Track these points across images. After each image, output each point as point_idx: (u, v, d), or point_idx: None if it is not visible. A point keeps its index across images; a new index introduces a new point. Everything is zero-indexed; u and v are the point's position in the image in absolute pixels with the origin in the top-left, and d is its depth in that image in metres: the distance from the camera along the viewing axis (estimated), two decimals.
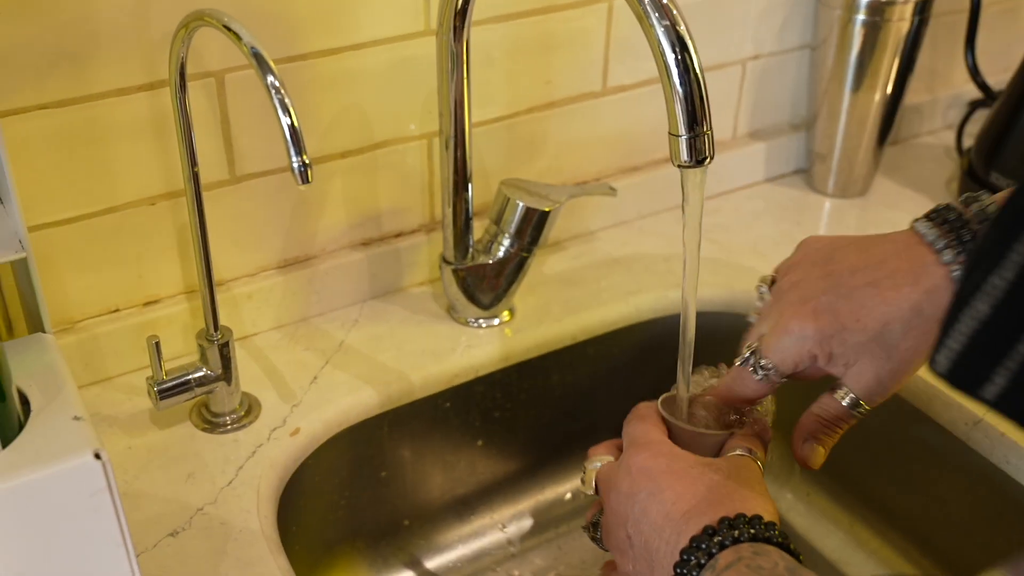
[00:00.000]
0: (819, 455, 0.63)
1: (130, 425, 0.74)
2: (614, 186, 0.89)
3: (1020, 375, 0.35)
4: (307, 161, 0.56)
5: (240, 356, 0.80)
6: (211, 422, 0.74)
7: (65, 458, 0.52)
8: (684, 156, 0.59)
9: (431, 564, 0.86)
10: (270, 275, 0.82)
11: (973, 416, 0.76)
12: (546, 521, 0.91)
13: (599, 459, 0.66)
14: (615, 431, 0.94)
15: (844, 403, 0.60)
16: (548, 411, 0.89)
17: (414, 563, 0.86)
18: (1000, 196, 0.59)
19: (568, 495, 0.93)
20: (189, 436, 0.74)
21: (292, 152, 0.56)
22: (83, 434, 0.53)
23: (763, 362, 0.61)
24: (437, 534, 0.87)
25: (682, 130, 0.59)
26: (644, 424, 0.64)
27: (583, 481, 0.66)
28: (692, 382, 0.67)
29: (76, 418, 0.54)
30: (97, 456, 0.52)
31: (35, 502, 0.51)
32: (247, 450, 0.72)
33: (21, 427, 0.53)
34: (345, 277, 0.85)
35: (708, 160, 0.60)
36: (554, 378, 0.87)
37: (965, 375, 0.37)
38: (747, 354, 0.63)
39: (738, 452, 0.60)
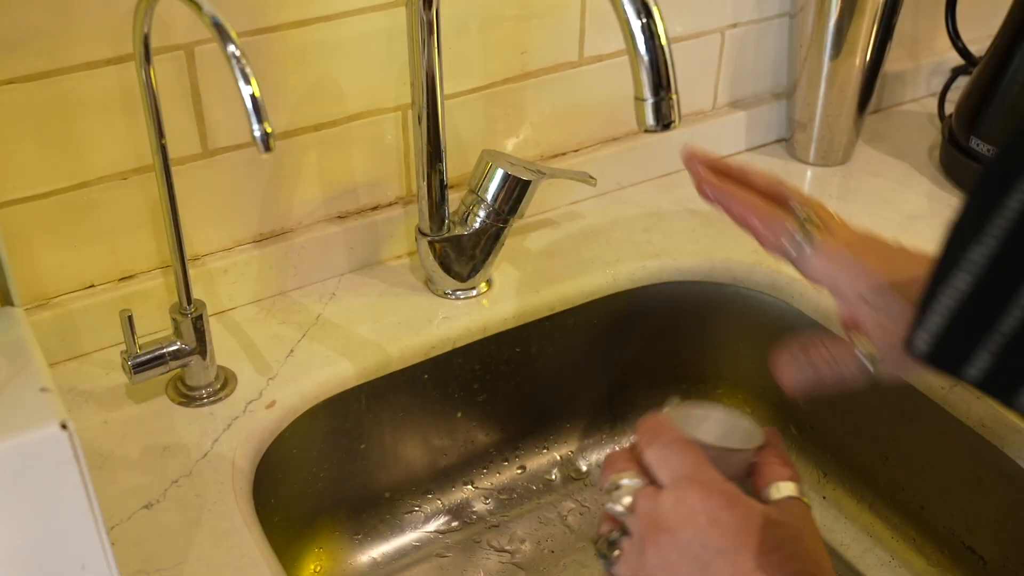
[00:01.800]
0: (806, 391, 0.62)
1: (106, 400, 0.74)
2: (592, 170, 0.89)
3: (1004, 352, 0.34)
4: (269, 130, 0.56)
5: (216, 330, 0.80)
6: (187, 396, 0.74)
7: (31, 428, 0.52)
8: (650, 121, 0.59)
9: (412, 536, 0.86)
10: (246, 249, 0.82)
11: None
12: (527, 492, 0.91)
13: (631, 477, 0.56)
14: (595, 402, 0.95)
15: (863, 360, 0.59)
16: (528, 382, 0.89)
17: (395, 534, 0.86)
18: None
19: (551, 467, 0.93)
20: (165, 410, 0.74)
21: (253, 120, 0.55)
22: (50, 405, 0.53)
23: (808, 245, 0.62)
24: (417, 506, 0.87)
25: (647, 94, 0.59)
26: (692, 455, 0.55)
27: (611, 496, 0.56)
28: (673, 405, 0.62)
29: (43, 389, 0.54)
30: (64, 426, 0.52)
31: (1, 473, 0.51)
32: (223, 423, 0.73)
33: None
34: (322, 250, 0.85)
35: (674, 124, 0.60)
36: (533, 349, 0.87)
37: (947, 355, 0.36)
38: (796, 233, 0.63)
39: (790, 494, 0.55)
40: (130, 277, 0.78)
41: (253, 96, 0.56)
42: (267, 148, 0.56)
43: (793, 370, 0.62)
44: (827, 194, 1.00)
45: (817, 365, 0.61)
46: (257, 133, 0.56)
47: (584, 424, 0.94)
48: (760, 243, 0.64)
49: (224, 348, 0.78)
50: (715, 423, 0.60)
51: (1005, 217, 0.33)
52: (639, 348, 0.93)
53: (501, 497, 0.90)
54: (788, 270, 0.88)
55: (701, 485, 0.53)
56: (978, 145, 0.98)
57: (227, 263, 0.81)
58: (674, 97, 0.59)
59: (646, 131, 0.60)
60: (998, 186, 0.33)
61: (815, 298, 0.86)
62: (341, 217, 0.86)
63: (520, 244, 0.91)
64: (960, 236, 0.35)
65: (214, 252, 0.81)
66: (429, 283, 0.86)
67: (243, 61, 0.56)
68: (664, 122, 0.59)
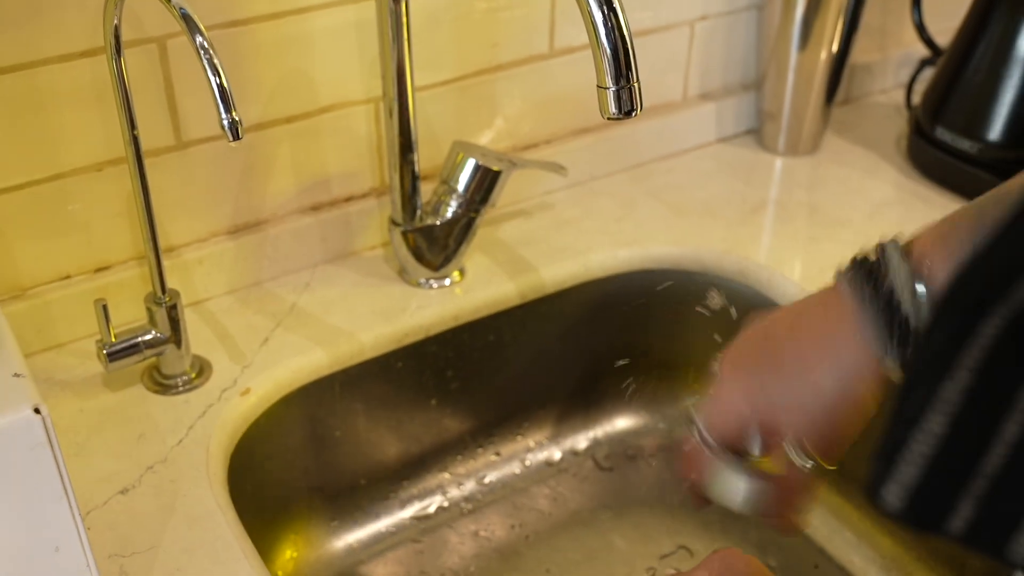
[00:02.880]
0: (805, 522, 0.63)
1: (82, 389, 0.75)
2: (564, 162, 0.90)
3: (991, 497, 0.30)
4: (236, 118, 0.57)
5: (191, 320, 0.81)
6: (162, 384, 0.76)
7: (4, 413, 0.53)
8: (612, 108, 0.61)
9: (387, 522, 0.88)
10: (221, 240, 0.83)
11: None
12: (502, 478, 0.92)
13: None
14: (568, 389, 0.96)
15: (800, 465, 0.58)
16: (502, 370, 0.90)
17: (370, 521, 0.87)
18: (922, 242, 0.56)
19: (525, 453, 0.94)
20: (140, 398, 0.75)
21: (221, 109, 0.56)
22: (23, 390, 0.54)
23: (696, 421, 0.61)
24: (393, 493, 0.89)
25: (609, 83, 0.60)
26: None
27: None
28: None
29: (16, 375, 0.55)
30: (36, 411, 0.53)
31: None
32: (198, 410, 0.74)
33: None
34: (296, 242, 0.86)
35: (635, 112, 0.61)
36: (506, 337, 0.89)
37: (925, 509, 0.31)
38: (692, 416, 0.64)
39: None
40: (105, 268, 0.79)
41: (221, 86, 0.57)
42: (235, 136, 0.57)
43: (792, 524, 0.62)
44: (796, 183, 1.02)
45: (802, 508, 0.62)
46: (225, 122, 0.57)
47: (558, 411, 0.95)
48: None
49: (199, 337, 0.79)
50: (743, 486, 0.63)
51: (980, 346, 0.30)
52: (611, 336, 0.95)
53: (476, 483, 0.92)
54: (757, 257, 0.90)
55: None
56: (943, 134, 0.99)
57: (202, 254, 0.82)
58: (635, 85, 0.60)
59: (608, 119, 0.61)
60: (969, 315, 0.30)
61: (783, 285, 0.87)
62: (315, 208, 0.87)
63: (493, 234, 0.92)
64: (926, 376, 0.31)
65: (189, 243, 0.82)
66: (403, 273, 0.87)
67: (211, 52, 0.57)
68: (625, 109, 0.60)
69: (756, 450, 0.62)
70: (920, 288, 0.52)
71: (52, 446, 0.54)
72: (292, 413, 0.79)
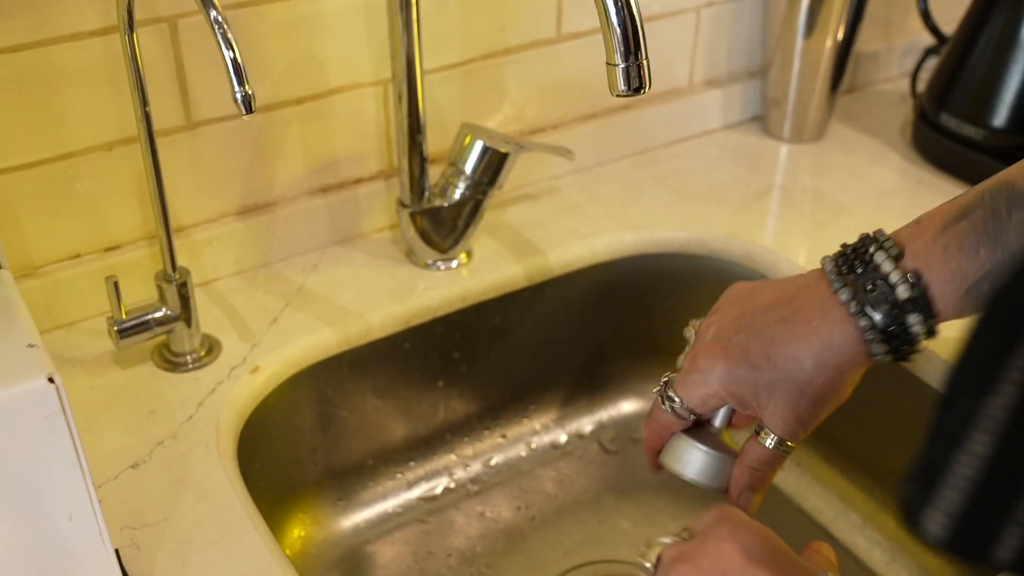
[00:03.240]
0: (756, 503, 0.63)
1: (92, 366, 0.76)
2: (570, 147, 0.90)
3: None
4: (250, 91, 0.57)
5: (201, 300, 0.81)
6: (172, 362, 0.76)
7: (19, 382, 0.53)
8: (621, 86, 0.61)
9: (394, 503, 0.88)
10: (230, 221, 0.84)
11: None
12: (508, 461, 0.93)
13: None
14: (574, 372, 0.96)
15: (768, 445, 0.60)
16: (508, 352, 0.91)
17: (377, 501, 0.88)
18: (903, 233, 0.59)
19: (531, 436, 0.95)
20: (150, 375, 0.75)
21: (235, 83, 0.57)
22: (37, 360, 0.54)
23: (670, 394, 0.62)
24: (400, 473, 0.89)
25: (618, 60, 0.61)
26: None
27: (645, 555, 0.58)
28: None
29: (30, 345, 0.55)
30: (51, 380, 0.53)
31: None
32: (207, 387, 0.74)
33: None
34: (304, 223, 0.86)
35: (644, 89, 0.61)
36: (513, 319, 0.89)
37: (971, 538, 0.29)
38: (660, 385, 0.64)
39: None
40: (115, 248, 0.80)
41: (234, 60, 0.58)
42: (248, 110, 0.58)
43: (745, 500, 0.63)
44: (801, 170, 1.02)
45: (756, 486, 0.62)
46: (239, 95, 0.57)
47: (564, 394, 0.96)
48: None
49: (208, 316, 0.80)
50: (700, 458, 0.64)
51: None
52: (617, 319, 0.95)
53: (482, 465, 0.92)
54: (762, 242, 0.91)
55: (731, 523, 0.53)
56: (948, 121, 1.00)
57: (211, 234, 0.82)
58: (644, 63, 0.61)
59: (617, 95, 0.61)
60: (1016, 324, 0.28)
61: (788, 269, 0.88)
62: (323, 190, 0.87)
63: (500, 218, 0.93)
64: (968, 389, 0.28)
65: (198, 223, 0.83)
66: (410, 255, 0.87)
67: (225, 27, 0.58)
68: (634, 86, 0.60)
69: (719, 423, 0.64)
70: (906, 268, 0.56)
71: (66, 415, 0.55)
72: (301, 392, 0.80)
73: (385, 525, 0.87)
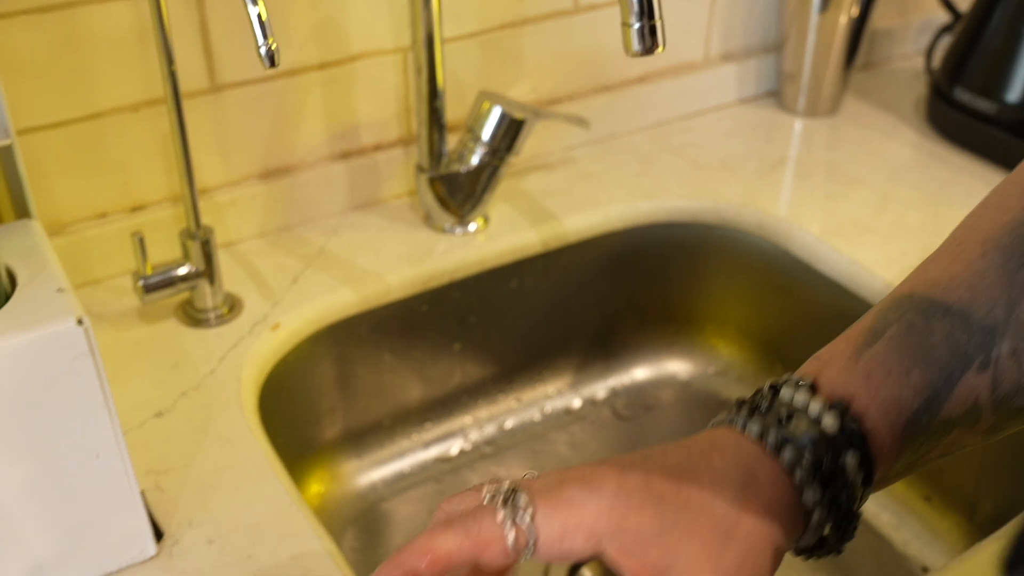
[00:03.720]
0: None
1: (118, 321, 0.78)
2: (586, 116, 0.92)
3: None
4: (273, 46, 0.59)
5: (223, 260, 0.83)
6: (195, 318, 0.78)
7: (48, 324, 0.55)
8: (635, 46, 0.62)
9: (410, 462, 0.90)
10: (252, 184, 0.85)
11: None
12: (522, 424, 0.95)
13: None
14: (588, 338, 0.98)
15: None
16: (523, 318, 0.92)
17: (393, 460, 0.89)
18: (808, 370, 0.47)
19: (545, 400, 0.96)
20: (174, 331, 0.77)
21: (259, 37, 0.59)
22: (66, 303, 0.56)
23: (520, 505, 0.42)
24: (416, 434, 0.91)
25: (633, 20, 0.62)
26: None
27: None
28: None
29: (60, 290, 0.57)
30: (80, 322, 0.55)
31: (21, 366, 0.54)
32: (229, 343, 0.76)
33: (7, 299, 0.57)
34: (325, 188, 0.88)
35: (658, 48, 0.63)
36: (528, 285, 0.91)
37: None
38: (506, 488, 0.43)
39: None
40: (140, 208, 0.82)
41: (259, 16, 0.59)
42: (272, 63, 0.59)
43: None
44: (815, 143, 1.03)
45: None
46: (263, 49, 0.59)
47: (578, 359, 0.97)
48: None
49: (230, 276, 0.82)
50: None
51: None
52: (631, 287, 0.96)
53: (496, 428, 0.94)
54: (775, 211, 0.92)
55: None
56: (962, 95, 1.01)
57: (233, 196, 0.84)
58: (658, 23, 0.62)
59: (632, 56, 0.62)
60: None
61: (802, 237, 0.89)
62: (344, 155, 0.89)
63: (516, 185, 0.94)
64: None
65: (221, 186, 0.85)
66: (428, 219, 0.89)
67: None
68: (647, 46, 0.62)
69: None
70: (828, 397, 0.44)
71: (94, 356, 0.56)
72: (320, 351, 0.82)
73: (401, 484, 0.88)
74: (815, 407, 0.44)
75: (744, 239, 0.93)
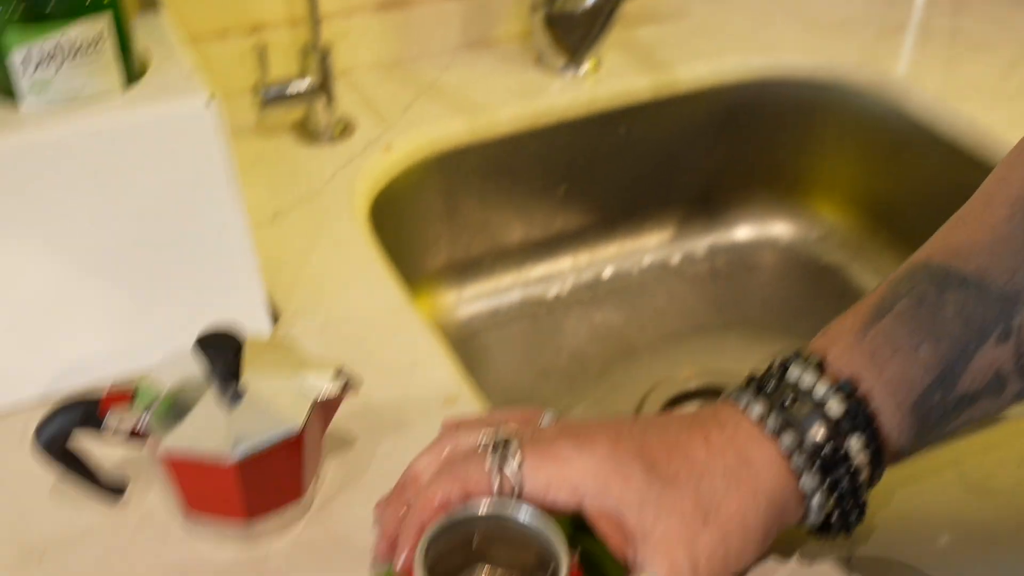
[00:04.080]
0: None
1: (237, 135, 0.79)
2: None
3: None
4: None
5: (338, 86, 0.84)
6: (310, 135, 0.79)
7: (180, 100, 0.57)
8: None
9: (508, 299, 0.91)
10: (367, 15, 0.86)
11: None
12: (621, 274, 0.95)
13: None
14: (691, 193, 0.97)
15: None
16: (629, 167, 0.92)
17: (492, 297, 0.91)
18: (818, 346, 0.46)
19: (644, 253, 0.96)
20: (290, 146, 0.79)
21: None
22: (197, 83, 0.58)
23: (511, 456, 0.43)
24: (515, 273, 0.92)
25: None
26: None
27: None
28: None
29: (190, 72, 0.59)
30: (211, 97, 0.57)
31: (154, 139, 0.56)
32: (343, 159, 0.78)
33: (141, 77, 0.58)
34: (438, 24, 0.88)
35: None
36: (636, 133, 0.90)
37: None
38: (500, 436, 0.44)
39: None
40: (260, 28, 0.83)
41: None
42: None
43: None
44: (939, 10, 0.99)
45: None
46: None
47: (680, 214, 0.97)
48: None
49: (345, 100, 0.83)
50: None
51: None
52: (739, 145, 0.95)
53: (595, 275, 0.94)
54: (895, 70, 0.90)
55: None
56: None
57: (348, 25, 0.85)
58: None
59: None
60: None
61: (920, 98, 0.87)
62: None
63: (629, 33, 0.94)
64: None
65: (336, 14, 0.85)
66: (540, 60, 0.89)
67: None
68: None
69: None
70: (834, 377, 0.44)
71: (221, 133, 0.58)
72: (429, 179, 0.83)
73: (497, 319, 0.90)
74: (820, 389, 0.44)
75: (858, 100, 0.91)
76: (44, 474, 0.52)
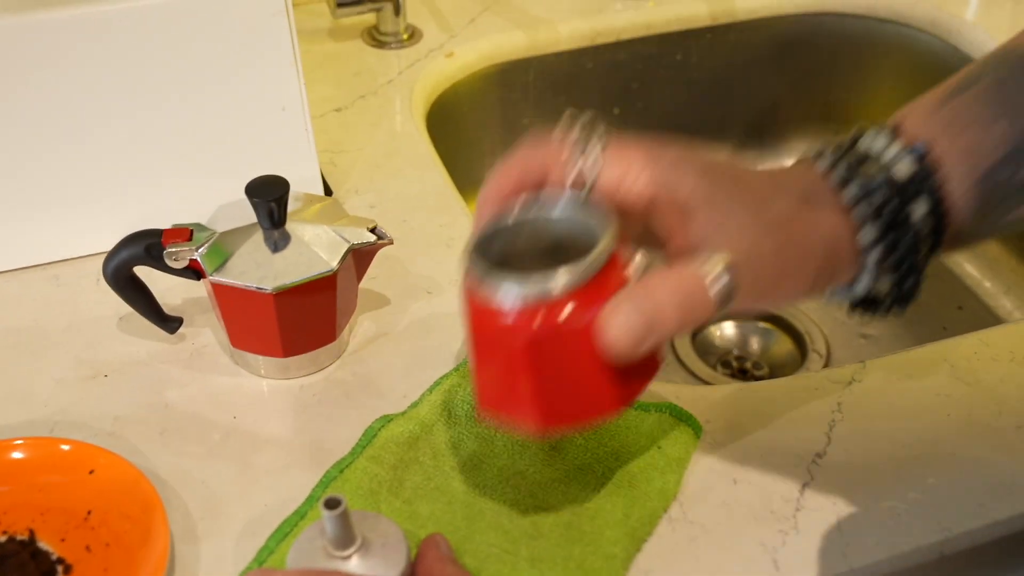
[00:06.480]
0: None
1: (309, 36, 0.85)
2: None
3: None
4: None
5: None
6: (378, 40, 0.85)
7: None
8: None
9: None
10: None
11: None
12: None
13: None
14: (746, 123, 1.00)
15: (713, 284, 0.40)
16: (685, 92, 0.95)
17: None
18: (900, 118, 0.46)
19: None
20: (359, 49, 0.84)
21: None
22: None
23: (596, 139, 0.43)
24: None
25: None
26: None
27: None
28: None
29: None
30: None
31: (223, 16, 0.61)
32: (407, 62, 0.83)
33: None
34: None
35: None
36: (693, 59, 0.93)
37: None
38: (589, 120, 0.45)
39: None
40: None
41: None
42: None
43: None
44: None
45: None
46: None
47: (734, 144, 1.00)
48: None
49: (412, 10, 0.88)
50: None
51: None
52: (794, 79, 0.98)
53: None
54: (951, 7, 0.91)
55: None
56: None
57: None
58: None
59: None
60: None
61: (982, 40, 0.88)
62: None
63: None
64: None
65: None
66: None
67: None
68: None
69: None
70: (908, 140, 0.44)
71: (288, 16, 0.63)
72: (488, 88, 0.87)
73: None
74: (892, 151, 0.43)
75: (916, 37, 0.93)
76: (114, 309, 0.58)
